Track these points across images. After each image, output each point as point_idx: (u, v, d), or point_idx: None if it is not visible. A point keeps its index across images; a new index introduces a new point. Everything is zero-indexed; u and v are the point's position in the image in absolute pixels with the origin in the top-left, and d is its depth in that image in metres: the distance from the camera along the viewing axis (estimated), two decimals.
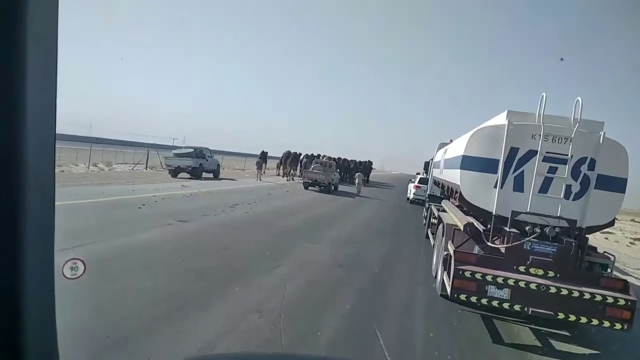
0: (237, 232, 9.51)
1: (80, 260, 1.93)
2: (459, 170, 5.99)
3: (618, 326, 4.90)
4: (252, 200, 14.87)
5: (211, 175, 23.99)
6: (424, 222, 13.44)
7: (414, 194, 22.96)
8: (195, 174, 22.00)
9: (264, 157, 28.55)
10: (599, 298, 4.91)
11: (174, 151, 23.34)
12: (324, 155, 32.03)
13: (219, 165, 25.17)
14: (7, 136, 0.81)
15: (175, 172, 21.65)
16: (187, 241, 8.03)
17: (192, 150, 22.54)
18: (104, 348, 3.73)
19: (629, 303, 4.88)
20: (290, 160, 31.20)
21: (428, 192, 13.90)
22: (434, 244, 8.73)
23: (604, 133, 5.32)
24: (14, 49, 0.79)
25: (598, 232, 6.27)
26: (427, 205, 12.98)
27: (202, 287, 5.66)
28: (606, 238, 18.71)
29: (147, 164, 25.97)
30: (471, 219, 6.29)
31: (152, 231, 8.34)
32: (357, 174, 27.57)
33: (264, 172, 27.71)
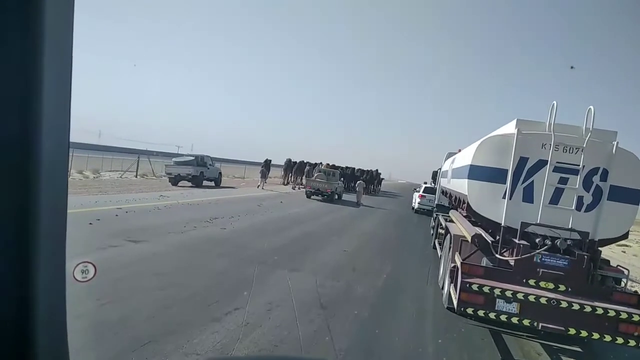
0: (198, 256, 7.73)
1: (91, 263, 1.94)
2: (467, 180, 5.88)
3: (632, 343, 4.72)
4: (237, 213, 13.32)
5: (212, 183, 23.94)
6: (432, 232, 13.30)
7: (418, 203, 22.89)
8: (196, 182, 21.93)
9: (267, 165, 28.47)
10: (612, 313, 4.74)
11: (174, 159, 23.27)
12: (322, 163, 31.88)
13: (220, 173, 25.10)
14: (22, 140, 0.83)
15: (175, 180, 21.57)
16: (120, 272, 6.02)
17: (192, 158, 22.50)
18: None
19: None
20: (295, 169, 31.21)
21: (436, 202, 13.80)
22: (441, 255, 8.59)
23: (617, 143, 5.19)
24: (29, 53, 0.81)
25: (614, 245, 6.08)
26: (434, 215, 12.87)
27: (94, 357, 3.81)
28: (623, 252, 18.01)
29: (137, 172, 25.37)
30: (479, 230, 6.16)
31: (83, 257, 6.16)
32: (357, 182, 27.40)
33: (266, 181, 27.60)
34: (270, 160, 29.37)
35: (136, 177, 24.37)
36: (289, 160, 31.95)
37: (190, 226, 10.18)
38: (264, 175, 26.97)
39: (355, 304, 6.30)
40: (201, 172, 22.37)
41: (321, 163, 31.70)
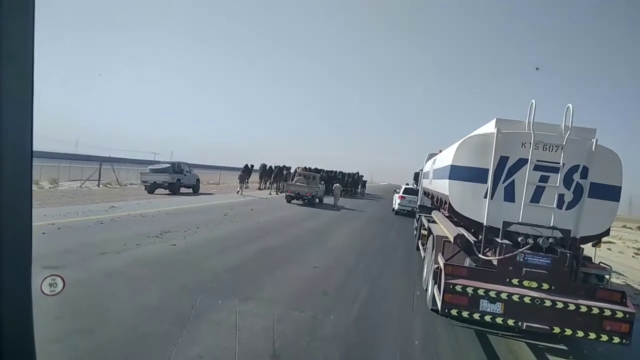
0: (128, 285, 6.17)
1: (59, 276, 1.85)
2: (448, 181, 5.83)
3: (616, 340, 4.72)
4: (196, 224, 11.73)
5: (191, 190, 23.46)
6: (415, 233, 13.25)
7: (399, 204, 23.09)
8: (173, 189, 21.45)
9: (247, 171, 28.11)
10: (595, 311, 4.73)
11: (150, 166, 22.70)
12: (307, 167, 31.64)
13: (198, 180, 24.61)
14: None
15: (152, 188, 21.01)
16: None
17: (168, 165, 22.04)
18: None
19: (627, 315, 4.71)
20: (275, 174, 31.03)
21: (418, 203, 13.79)
22: (424, 256, 8.53)
23: (596, 140, 5.21)
24: None
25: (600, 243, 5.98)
26: (417, 217, 12.85)
27: None
28: (609, 249, 17.87)
29: (99, 181, 23.63)
30: (462, 231, 6.11)
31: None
32: (335, 185, 27.20)
33: (247, 187, 27.19)
34: (252, 166, 29.04)
35: (98, 186, 22.79)
36: (264, 166, 31.82)
37: (132, 244, 8.51)
38: (243, 180, 26.56)
39: (320, 349, 4.74)
40: (178, 179, 21.89)
41: (305, 167, 31.57)
